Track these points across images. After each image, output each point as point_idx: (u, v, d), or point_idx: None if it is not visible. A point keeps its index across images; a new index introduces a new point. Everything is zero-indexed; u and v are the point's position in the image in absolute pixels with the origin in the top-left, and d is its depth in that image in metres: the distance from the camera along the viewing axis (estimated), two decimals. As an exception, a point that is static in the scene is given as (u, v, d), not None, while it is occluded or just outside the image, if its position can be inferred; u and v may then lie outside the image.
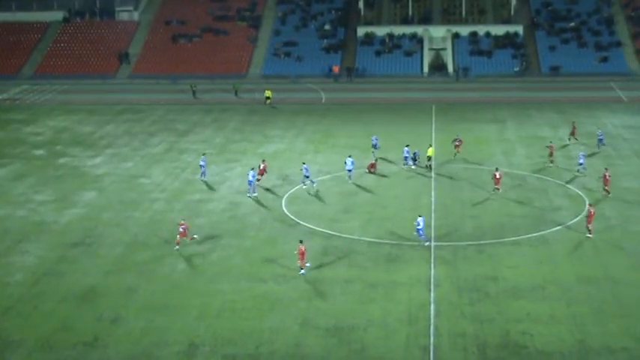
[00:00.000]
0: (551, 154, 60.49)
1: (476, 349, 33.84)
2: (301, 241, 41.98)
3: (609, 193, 53.17)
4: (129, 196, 55.42)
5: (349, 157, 58.17)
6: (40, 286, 40.76)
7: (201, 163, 59.06)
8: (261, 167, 57.36)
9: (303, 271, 41.47)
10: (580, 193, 53.98)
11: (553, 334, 34.82)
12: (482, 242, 45.44)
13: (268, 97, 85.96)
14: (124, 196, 55.44)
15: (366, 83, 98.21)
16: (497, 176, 53.87)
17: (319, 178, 58.29)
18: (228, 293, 39.41)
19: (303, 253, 41.41)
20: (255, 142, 70.08)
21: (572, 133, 67.67)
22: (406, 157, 60.57)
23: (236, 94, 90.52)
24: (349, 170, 57.29)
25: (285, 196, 54.42)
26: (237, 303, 38.33)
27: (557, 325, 35.61)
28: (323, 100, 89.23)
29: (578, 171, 58.16)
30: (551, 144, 61.71)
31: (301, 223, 49.27)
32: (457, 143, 62.28)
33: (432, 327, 35.70)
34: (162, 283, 40.92)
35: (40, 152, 68.16)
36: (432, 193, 54.49)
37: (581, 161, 58.31)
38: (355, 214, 50.92)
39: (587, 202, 48.17)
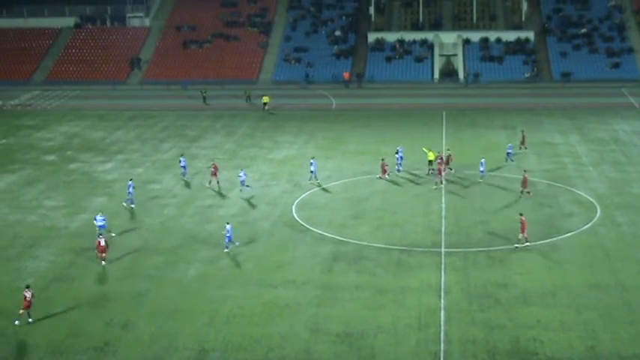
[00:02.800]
0: (384, 172, 59.65)
1: (486, 356, 33.76)
2: (28, 286, 38.21)
3: (530, 193, 53.90)
4: (139, 201, 55.51)
5: (312, 158, 59.67)
6: (50, 291, 40.90)
7: (182, 163, 60.92)
8: (212, 170, 58.26)
9: (17, 321, 37.30)
10: (591, 199, 53.88)
11: (563, 341, 34.72)
12: (492, 248, 45.33)
13: (265, 103, 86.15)
14: (135, 201, 55.54)
15: (377, 89, 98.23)
16: (441, 168, 56.79)
17: (329, 185, 58.39)
18: (238, 299, 39.44)
19: (27, 301, 37.31)
20: (265, 147, 70.20)
21: (522, 142, 67.11)
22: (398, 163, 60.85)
23: (248, 99, 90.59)
24: (312, 171, 58.32)
25: (295, 202, 54.47)
26: (247, 309, 38.35)
27: (567, 332, 35.50)
28: (333, 106, 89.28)
29: (481, 177, 58.26)
30: (384, 165, 60.30)
31: (311, 228, 49.31)
32: (439, 161, 59.92)
33: (442, 333, 35.65)
34: (173, 288, 41.00)
35: (51, 158, 68.46)
36: (442, 199, 54.44)
37: (481, 169, 58.33)
38: (365, 219, 50.93)
39: (519, 214, 46.69)
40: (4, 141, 75.40)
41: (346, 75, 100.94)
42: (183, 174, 60.68)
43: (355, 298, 39.40)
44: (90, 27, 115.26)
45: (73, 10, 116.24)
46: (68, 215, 52.93)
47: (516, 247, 45.13)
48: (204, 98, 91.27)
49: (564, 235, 47.19)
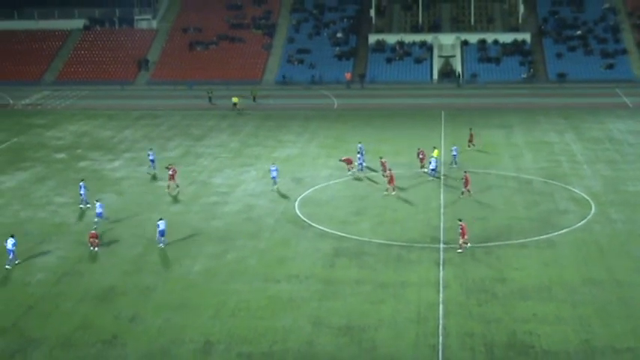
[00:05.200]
0: (350, 163, 60.45)
1: (483, 349, 34.35)
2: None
3: (470, 193, 54.19)
4: (146, 198, 56.36)
5: (273, 164, 59.32)
6: (60, 286, 41.60)
7: (150, 157, 62.89)
8: (170, 173, 57.82)
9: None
10: (586, 197, 54.67)
11: (559, 334, 35.26)
12: (489, 244, 45.92)
13: (235, 104, 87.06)
14: (142, 198, 56.39)
15: (377, 89, 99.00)
16: (389, 174, 55.70)
17: (331, 182, 59.24)
18: (242, 293, 40.04)
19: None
20: (269, 146, 70.89)
21: (470, 140, 67.70)
22: (361, 162, 61.23)
23: (254, 99, 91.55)
24: (273, 177, 57.89)
25: (297, 199, 55.27)
26: (251, 302, 38.96)
27: (562, 326, 36.04)
28: (335, 106, 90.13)
29: (429, 175, 59.01)
30: (347, 158, 61.08)
31: (313, 225, 50.03)
32: (421, 156, 61.51)
33: (440, 327, 36.24)
34: (179, 282, 41.66)
35: (61, 156, 69.33)
36: (441, 197, 55.24)
37: (432, 166, 58.97)
38: (366, 216, 51.61)
39: (459, 220, 46.07)
40: (15, 139, 76.10)
41: (348, 76, 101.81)
42: (150, 167, 62.46)
43: (356, 292, 39.96)
44: (99, 29, 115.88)
45: (82, 13, 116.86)
46: (77, 212, 53.74)
47: (459, 252, 44.87)
48: (210, 98, 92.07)
49: (560, 232, 47.81)
